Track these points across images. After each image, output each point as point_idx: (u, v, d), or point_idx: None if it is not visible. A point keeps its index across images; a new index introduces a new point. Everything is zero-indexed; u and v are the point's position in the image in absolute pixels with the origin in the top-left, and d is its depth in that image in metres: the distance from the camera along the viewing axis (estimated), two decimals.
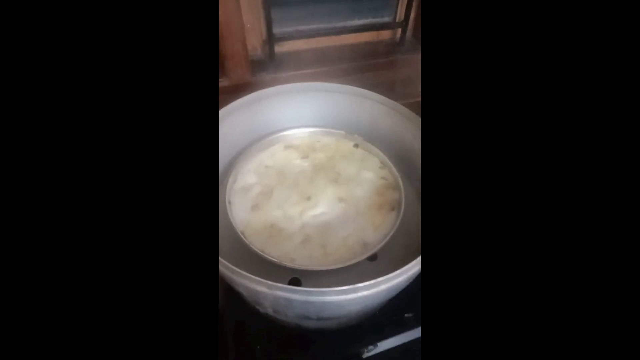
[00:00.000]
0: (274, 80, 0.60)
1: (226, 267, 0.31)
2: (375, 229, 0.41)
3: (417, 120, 0.46)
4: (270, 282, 0.30)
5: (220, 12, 0.49)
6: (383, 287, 0.31)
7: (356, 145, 0.50)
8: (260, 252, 0.37)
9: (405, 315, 0.45)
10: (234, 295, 0.38)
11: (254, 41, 0.59)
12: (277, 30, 0.59)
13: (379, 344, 0.42)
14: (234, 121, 0.47)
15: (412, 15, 0.65)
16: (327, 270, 0.37)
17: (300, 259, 0.39)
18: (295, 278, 0.39)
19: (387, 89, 0.54)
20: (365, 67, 0.64)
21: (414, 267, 0.32)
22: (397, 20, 0.66)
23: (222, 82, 0.57)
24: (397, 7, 0.65)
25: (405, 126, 0.48)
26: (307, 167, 0.47)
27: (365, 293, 0.31)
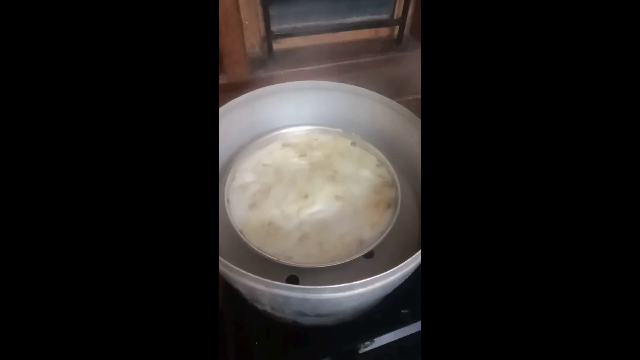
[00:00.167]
0: (272, 78, 0.60)
1: (225, 266, 0.32)
2: (371, 227, 0.42)
3: (414, 118, 0.47)
4: (268, 280, 0.30)
5: (218, 9, 0.49)
6: (379, 284, 0.32)
7: (353, 144, 0.51)
8: (258, 250, 0.38)
9: (402, 311, 0.45)
10: (233, 292, 0.38)
11: (252, 38, 0.59)
12: (275, 27, 0.59)
13: (375, 339, 0.43)
14: (233, 119, 0.47)
15: (410, 12, 0.65)
16: (324, 268, 0.38)
17: (298, 257, 0.39)
18: (293, 275, 0.39)
19: (385, 86, 0.55)
20: (363, 65, 0.65)
21: (409, 264, 0.33)
22: (394, 18, 0.66)
23: (220, 80, 0.57)
24: (394, 4, 0.65)
25: (402, 124, 0.48)
26: (305, 165, 0.48)
27: (361, 290, 0.31)
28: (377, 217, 0.43)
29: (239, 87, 0.58)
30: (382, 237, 0.39)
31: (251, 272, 0.31)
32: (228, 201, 0.42)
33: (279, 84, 0.50)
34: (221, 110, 0.45)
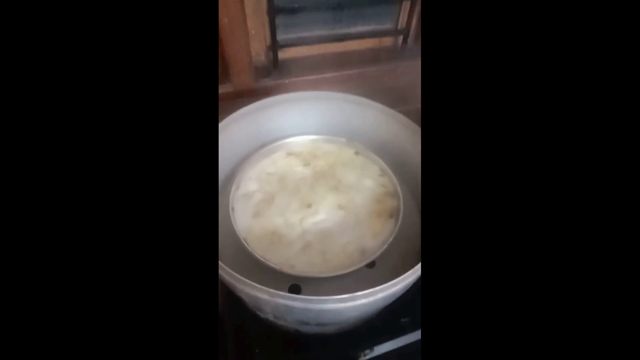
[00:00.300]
0: (277, 86, 0.60)
1: (229, 274, 0.32)
2: (374, 236, 0.42)
3: (417, 129, 0.47)
4: (271, 290, 0.31)
5: (224, 19, 0.50)
6: (380, 295, 0.32)
7: (357, 153, 0.51)
8: (261, 259, 0.38)
9: (402, 320, 0.45)
10: (234, 298, 0.39)
11: (258, 47, 0.60)
12: (280, 36, 0.59)
13: (375, 348, 0.43)
14: (238, 128, 0.48)
15: (414, 22, 0.65)
16: (326, 277, 0.38)
17: (301, 266, 0.40)
18: (296, 284, 0.40)
19: (389, 95, 0.55)
20: (367, 74, 0.65)
21: (410, 275, 0.33)
22: (398, 28, 0.66)
23: (226, 88, 0.58)
24: (399, 14, 0.65)
25: (404, 135, 0.49)
26: (308, 174, 0.48)
27: (363, 301, 0.32)
28: (379, 227, 0.43)
29: (244, 95, 0.59)
30: (384, 247, 0.40)
31: (254, 280, 0.32)
32: (232, 209, 0.43)
33: (284, 94, 0.51)
34: (227, 120, 0.46)
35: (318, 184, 0.47)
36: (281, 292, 0.31)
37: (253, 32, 0.57)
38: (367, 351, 0.42)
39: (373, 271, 0.42)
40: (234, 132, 0.47)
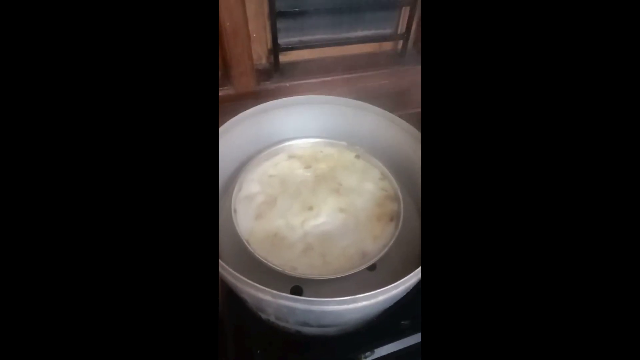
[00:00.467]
0: (278, 89, 0.61)
1: (232, 275, 0.32)
2: (374, 240, 0.43)
3: (417, 133, 0.48)
4: (274, 292, 0.31)
5: (227, 22, 0.51)
6: (381, 297, 0.33)
7: (357, 157, 0.52)
8: (264, 261, 0.39)
9: (402, 322, 0.46)
10: (235, 299, 0.39)
11: (259, 50, 0.61)
12: (282, 40, 0.60)
13: (375, 350, 0.43)
14: (240, 131, 0.48)
15: (414, 27, 0.66)
16: (327, 279, 0.39)
17: (302, 268, 0.40)
18: (297, 286, 0.40)
19: (389, 99, 0.56)
20: (367, 78, 0.66)
21: (411, 278, 0.34)
22: (398, 32, 0.67)
23: (227, 91, 0.58)
24: (399, 19, 0.66)
25: (405, 139, 0.49)
26: (310, 177, 0.49)
27: (364, 303, 0.32)
28: (380, 230, 0.44)
29: (246, 98, 0.59)
30: (384, 250, 0.40)
31: (256, 281, 0.32)
32: (235, 211, 0.43)
33: (286, 98, 0.51)
34: (229, 123, 0.46)
35: (319, 186, 0.48)
36: (284, 294, 0.31)
37: (254, 35, 0.57)
38: (367, 353, 0.42)
39: (374, 274, 0.42)
40: (236, 134, 0.47)
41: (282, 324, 0.39)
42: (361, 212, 0.45)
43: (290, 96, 0.52)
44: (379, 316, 0.44)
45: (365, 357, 0.43)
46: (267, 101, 0.50)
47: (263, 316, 0.40)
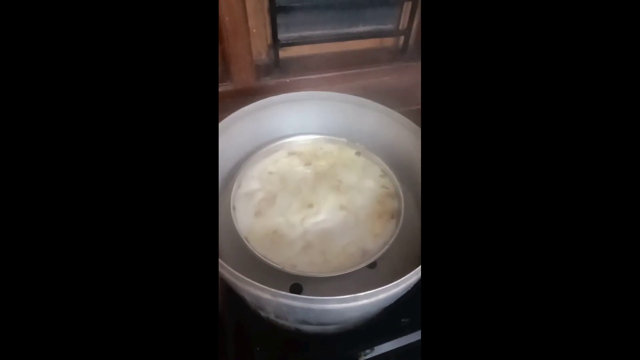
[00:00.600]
0: (278, 85, 0.60)
1: (231, 273, 0.32)
2: (374, 237, 0.43)
3: (418, 130, 0.48)
4: (274, 290, 0.31)
5: (226, 18, 0.50)
6: (382, 296, 0.33)
7: (358, 154, 0.51)
8: (263, 258, 0.38)
9: (402, 320, 0.46)
10: (234, 297, 0.39)
11: (259, 46, 0.60)
12: (282, 35, 0.59)
13: (375, 347, 0.43)
14: (240, 127, 0.48)
15: (415, 23, 0.65)
16: (327, 277, 0.38)
17: (301, 265, 0.40)
18: (297, 284, 0.40)
19: (389, 96, 0.55)
20: (367, 74, 0.65)
21: (412, 277, 0.33)
22: (400, 28, 0.66)
23: (227, 86, 0.58)
24: (400, 15, 0.65)
25: (405, 136, 0.49)
26: (310, 174, 0.48)
27: (365, 301, 0.32)
28: (380, 228, 0.43)
29: (245, 94, 0.59)
30: (385, 248, 0.40)
31: (255, 279, 0.32)
32: (234, 208, 0.43)
33: (286, 94, 0.51)
34: (228, 119, 0.46)
35: (319, 184, 0.47)
36: (283, 292, 0.31)
37: (254, 30, 0.57)
38: (367, 351, 0.42)
39: (374, 272, 0.42)
40: (236, 131, 0.47)
41: (281, 322, 0.39)
42: (361, 209, 0.45)
43: (290, 92, 0.51)
44: (379, 314, 0.44)
45: (365, 355, 0.43)
46: (267, 97, 0.50)
47: (263, 314, 0.39)
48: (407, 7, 0.63)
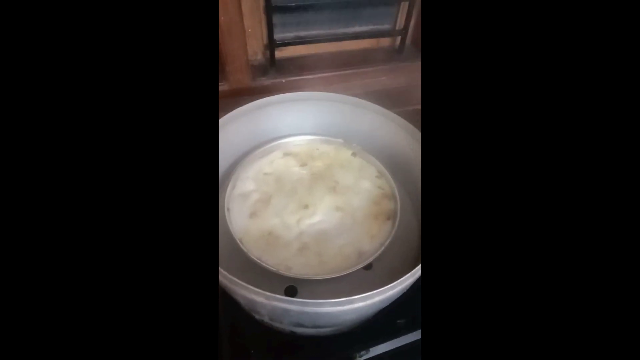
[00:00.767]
0: (274, 85, 0.60)
1: (224, 277, 0.32)
2: (371, 239, 0.42)
3: (414, 131, 0.47)
4: (268, 293, 0.31)
5: (222, 17, 0.50)
6: (378, 298, 0.32)
7: (354, 154, 0.51)
8: (257, 260, 0.38)
9: (397, 321, 0.45)
10: (229, 300, 0.39)
11: (255, 46, 0.60)
12: (277, 35, 0.59)
13: (370, 349, 0.43)
14: (235, 128, 0.47)
15: (412, 23, 0.65)
16: (323, 279, 0.38)
17: (297, 267, 0.40)
18: (292, 286, 0.40)
19: (386, 96, 0.55)
20: (364, 74, 0.65)
21: (408, 279, 0.33)
22: (396, 28, 0.66)
23: (223, 86, 0.58)
24: (397, 15, 0.65)
25: (402, 137, 0.49)
26: (306, 175, 0.48)
27: (360, 304, 0.32)
28: (376, 229, 0.43)
29: (241, 94, 0.59)
30: (381, 250, 0.40)
31: (250, 281, 0.31)
32: (228, 209, 0.43)
33: (280, 95, 0.50)
34: (224, 119, 0.46)
35: (315, 185, 0.47)
36: (277, 295, 0.31)
37: (250, 30, 0.57)
38: (362, 352, 0.42)
39: (370, 273, 0.42)
40: (231, 131, 0.47)
41: (276, 324, 0.39)
42: (358, 210, 0.45)
43: (286, 92, 0.51)
44: (375, 315, 0.44)
45: (360, 356, 0.43)
46: (263, 97, 0.50)
47: (257, 317, 0.39)
48: (404, 6, 0.63)
